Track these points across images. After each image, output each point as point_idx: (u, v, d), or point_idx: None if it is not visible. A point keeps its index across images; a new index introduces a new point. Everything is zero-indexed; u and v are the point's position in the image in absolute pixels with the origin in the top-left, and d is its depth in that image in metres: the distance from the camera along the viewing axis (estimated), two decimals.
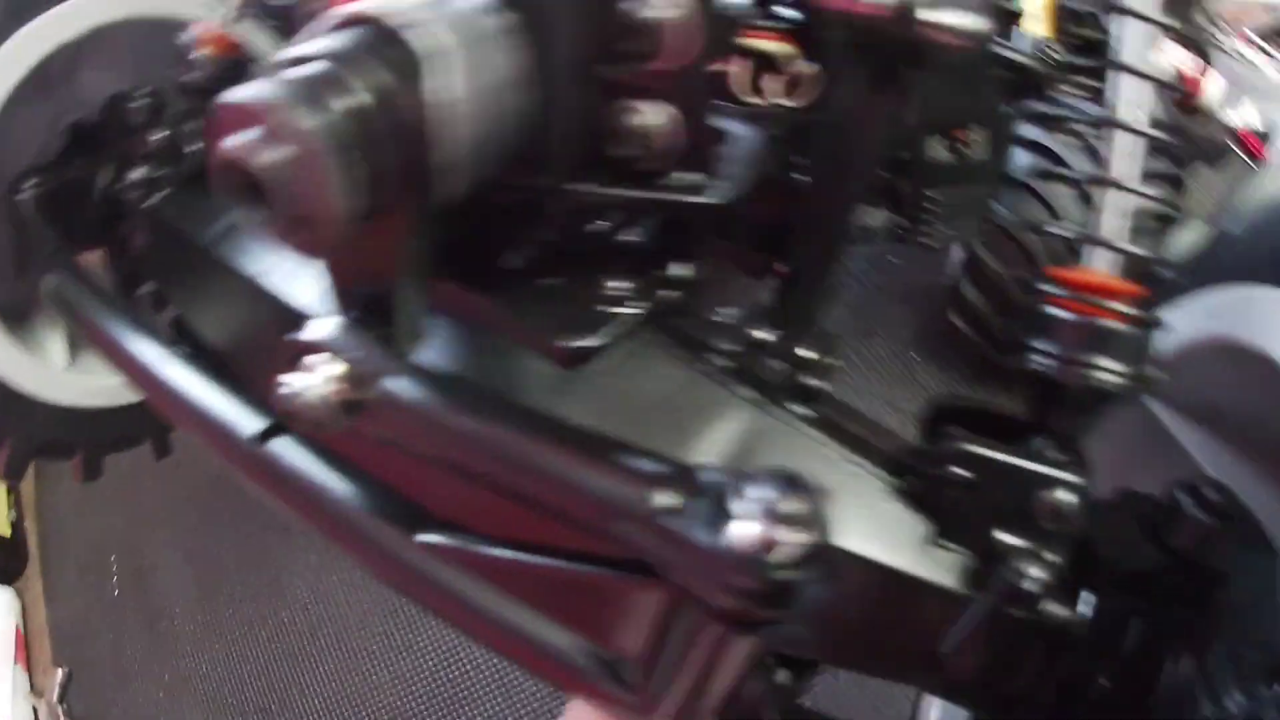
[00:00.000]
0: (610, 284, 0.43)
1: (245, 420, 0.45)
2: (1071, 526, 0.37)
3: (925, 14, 0.33)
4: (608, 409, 0.41)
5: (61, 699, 1.49)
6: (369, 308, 0.35)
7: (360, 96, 0.27)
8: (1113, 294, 0.38)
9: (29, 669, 1.54)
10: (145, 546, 1.53)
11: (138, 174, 0.62)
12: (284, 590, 1.38)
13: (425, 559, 0.38)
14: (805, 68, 0.69)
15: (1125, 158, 0.40)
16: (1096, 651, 0.37)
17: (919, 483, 0.40)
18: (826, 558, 0.26)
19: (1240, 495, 0.39)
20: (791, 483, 0.26)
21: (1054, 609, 0.37)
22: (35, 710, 1.48)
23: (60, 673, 1.51)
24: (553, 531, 0.37)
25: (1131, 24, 0.39)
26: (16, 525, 1.61)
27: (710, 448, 0.40)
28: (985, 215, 0.79)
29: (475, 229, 0.44)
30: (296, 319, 0.49)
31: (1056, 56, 0.82)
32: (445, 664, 1.23)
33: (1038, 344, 0.38)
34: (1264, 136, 1.50)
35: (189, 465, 1.15)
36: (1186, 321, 0.56)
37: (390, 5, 0.29)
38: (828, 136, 0.53)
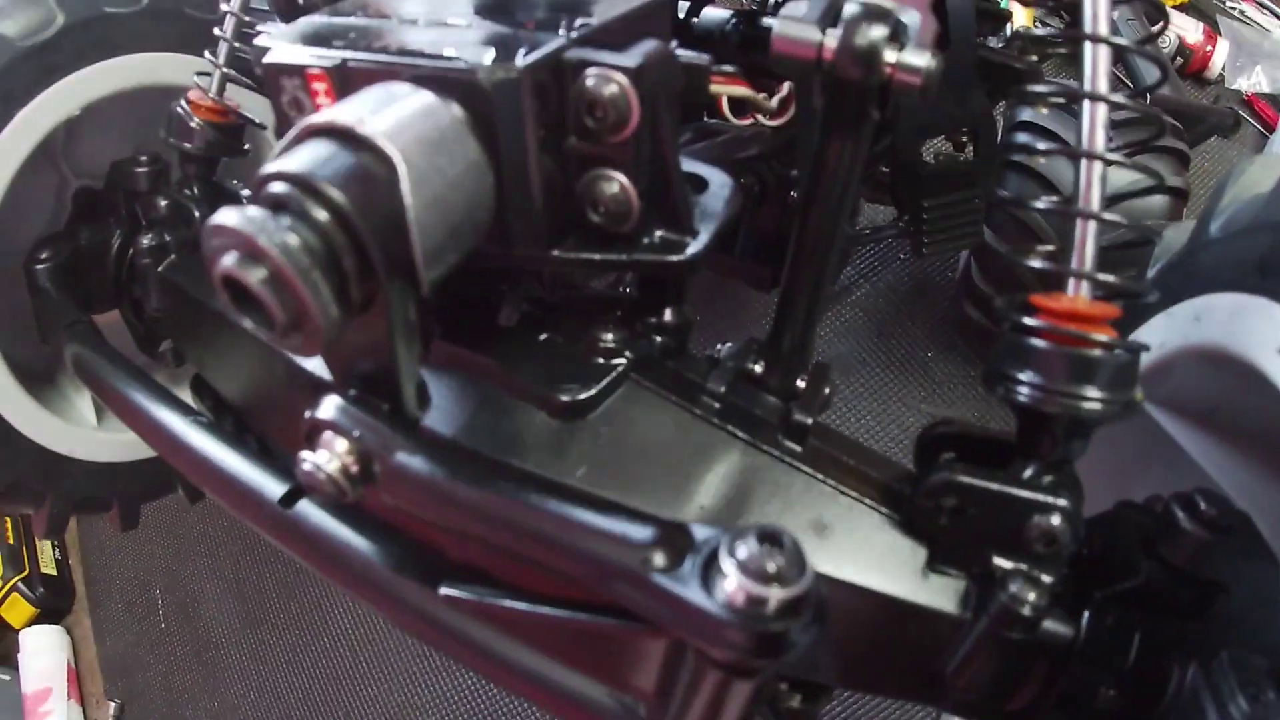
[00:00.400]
0: (601, 335, 0.45)
1: (268, 484, 0.47)
2: (1063, 550, 0.38)
3: (888, 55, 0.34)
4: (605, 457, 0.43)
5: None
6: (369, 383, 0.37)
7: (331, 209, 0.29)
8: (1093, 320, 0.38)
9: (82, 703, 1.58)
10: (189, 579, 1.56)
11: (146, 240, 0.65)
12: (325, 616, 1.41)
13: (448, 611, 0.40)
14: (779, 91, 0.71)
15: (1097, 130, 0.39)
16: (1100, 664, 0.38)
17: (914, 511, 0.41)
18: (812, 607, 0.28)
19: (1242, 497, 0.39)
20: (775, 538, 0.28)
21: (1053, 627, 0.38)
22: None
23: (112, 706, 1.54)
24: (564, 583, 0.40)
25: None
26: (62, 564, 1.65)
27: (706, 490, 0.42)
28: (983, 218, 0.80)
29: (469, 293, 0.46)
30: (306, 379, 0.52)
31: (1035, 44, 0.82)
32: (484, 682, 1.25)
33: (1021, 375, 0.39)
34: (1277, 103, 1.50)
35: None
36: (1174, 329, 0.56)
37: (358, 111, 0.30)
38: (806, 154, 0.55)
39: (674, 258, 0.40)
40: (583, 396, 0.43)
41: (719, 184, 0.45)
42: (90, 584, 1.66)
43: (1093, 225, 0.39)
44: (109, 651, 1.62)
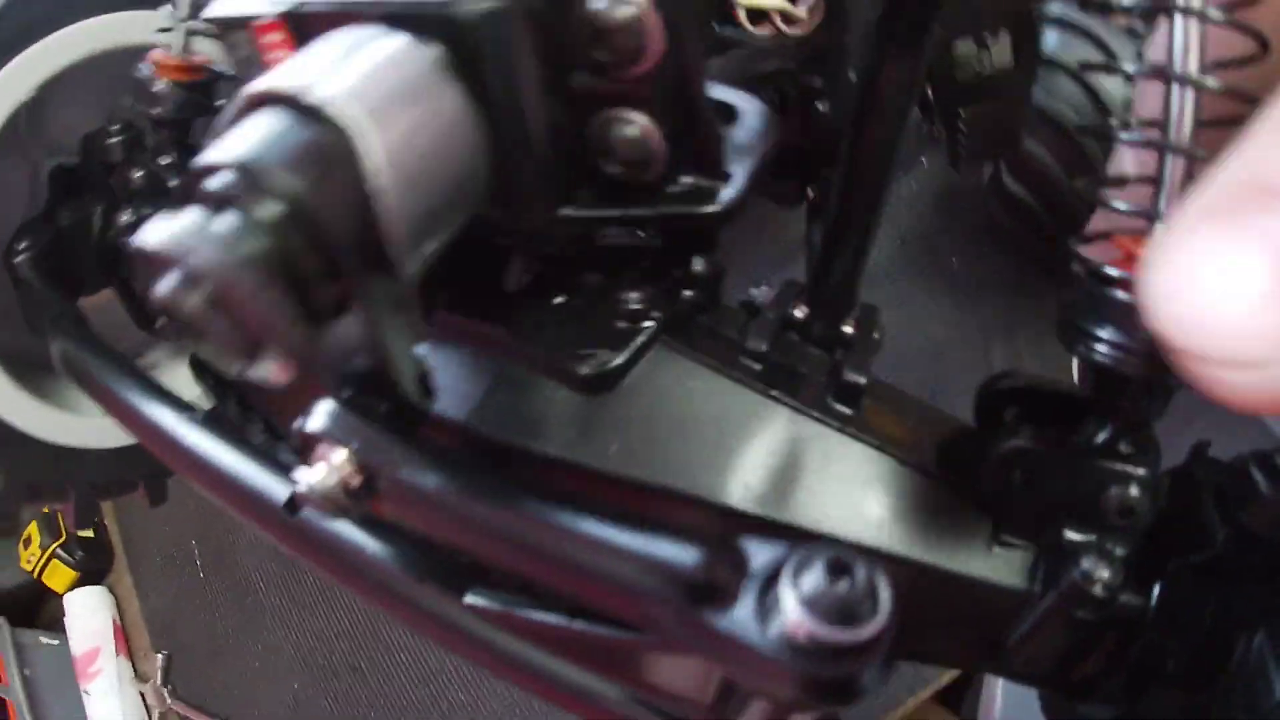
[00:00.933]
0: (625, 295, 0.39)
1: (272, 486, 0.43)
2: (1140, 522, 0.34)
3: None
4: (638, 433, 0.38)
5: (165, 681, 1.58)
6: (364, 383, 0.33)
7: (282, 202, 0.23)
8: None
9: (131, 658, 1.63)
10: (221, 528, 1.58)
11: (125, 217, 0.60)
12: None
13: (474, 621, 0.37)
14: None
15: (1191, 49, 0.32)
16: (1170, 636, 0.35)
17: (980, 479, 0.37)
18: (887, 647, 0.23)
19: None
20: (845, 567, 0.23)
21: (1125, 599, 0.35)
22: (142, 695, 1.56)
23: (160, 657, 1.59)
24: None
25: None
26: (99, 526, 1.68)
27: (752, 465, 0.37)
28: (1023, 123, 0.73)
29: (472, 255, 0.41)
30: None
31: None
32: None
33: (1101, 333, 0.34)
34: None
35: None
36: None
37: (307, 71, 0.25)
38: (840, 65, 0.49)
39: (707, 208, 0.34)
40: (608, 367, 0.38)
41: (753, 113, 0.40)
42: (127, 543, 1.70)
43: (1182, 162, 0.33)
44: (152, 606, 1.67)
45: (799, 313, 0.45)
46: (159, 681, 1.57)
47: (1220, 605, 0.35)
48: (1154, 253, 0.24)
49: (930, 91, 0.73)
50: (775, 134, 0.39)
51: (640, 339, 0.39)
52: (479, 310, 0.39)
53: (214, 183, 0.23)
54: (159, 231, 0.22)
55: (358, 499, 0.32)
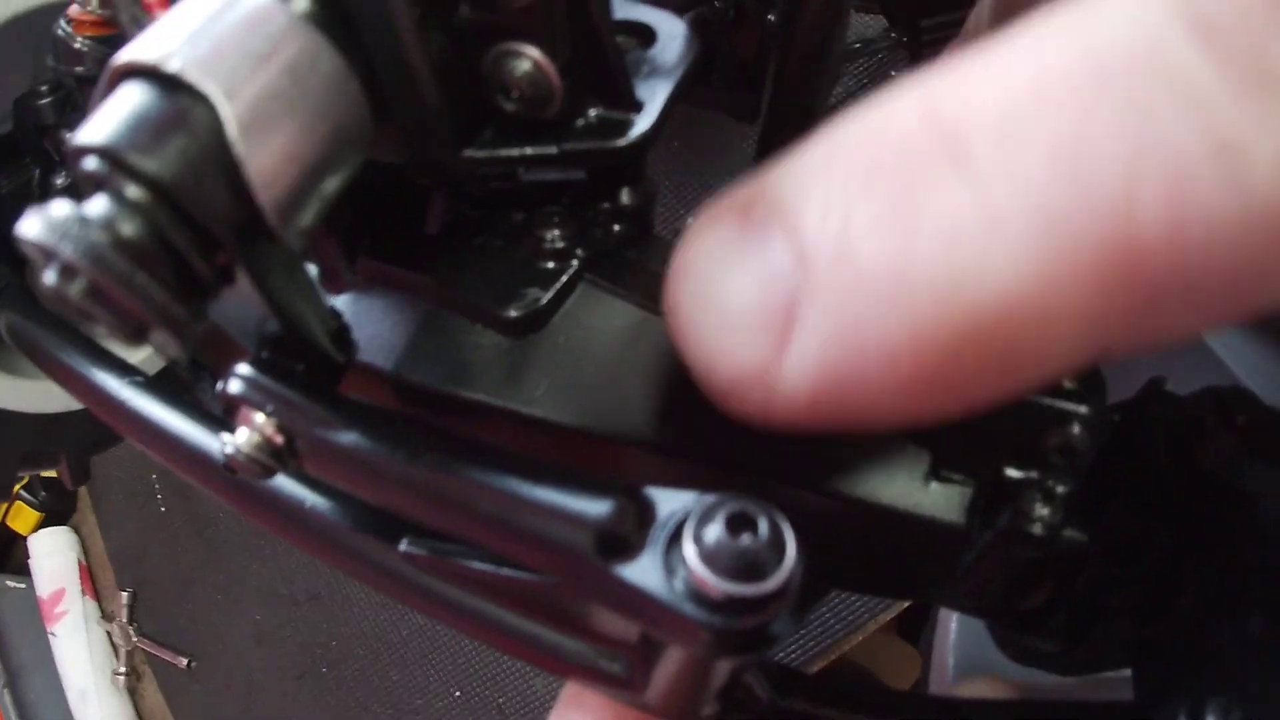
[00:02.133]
0: (546, 233, 0.38)
1: (213, 446, 0.43)
2: (1082, 461, 0.33)
3: None
4: (566, 373, 0.38)
5: (130, 618, 1.62)
6: (279, 344, 0.32)
7: (146, 184, 0.23)
8: None
9: (97, 598, 1.66)
10: None
11: (59, 181, 0.59)
12: None
13: (410, 569, 0.37)
14: None
15: None
16: (1114, 570, 0.35)
17: None
18: (794, 599, 0.23)
19: (1250, 378, 0.35)
20: (749, 520, 0.23)
21: (1067, 535, 0.34)
22: (109, 634, 1.60)
23: (125, 595, 1.63)
24: None
25: None
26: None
27: (685, 404, 0.37)
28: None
29: (390, 201, 0.40)
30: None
31: None
32: None
33: None
34: None
35: None
36: None
37: (166, 41, 0.24)
38: None
39: (617, 142, 0.33)
40: (532, 308, 0.37)
41: (669, 32, 0.38)
42: (90, 481, 1.71)
43: None
44: (115, 543, 1.70)
45: None
46: (124, 619, 1.60)
47: (1168, 542, 0.35)
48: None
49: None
50: (695, 53, 0.37)
51: (563, 278, 0.38)
52: (400, 255, 0.38)
53: (84, 166, 0.23)
54: (34, 224, 0.22)
55: (283, 459, 0.32)
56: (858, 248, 0.20)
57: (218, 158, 0.24)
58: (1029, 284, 0.18)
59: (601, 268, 0.39)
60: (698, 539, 0.23)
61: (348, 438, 0.30)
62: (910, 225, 0.19)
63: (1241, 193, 0.17)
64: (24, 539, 1.67)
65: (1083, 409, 0.33)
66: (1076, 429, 0.33)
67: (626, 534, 0.25)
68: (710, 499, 0.24)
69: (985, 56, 0.20)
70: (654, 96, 0.35)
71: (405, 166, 0.34)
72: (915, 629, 1.20)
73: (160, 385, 0.48)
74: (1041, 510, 0.33)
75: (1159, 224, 0.18)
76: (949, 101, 0.20)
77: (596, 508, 0.25)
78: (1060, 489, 0.34)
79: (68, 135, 0.59)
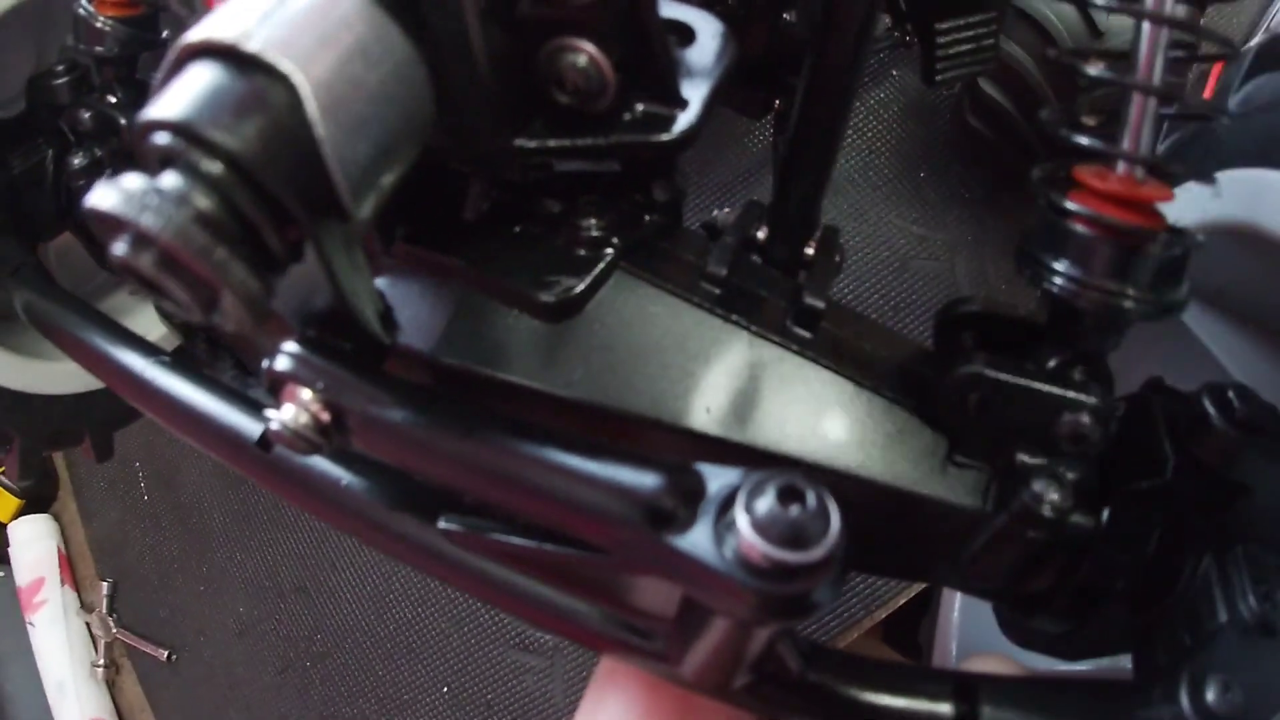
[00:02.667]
0: (583, 221, 0.40)
1: (244, 424, 0.44)
2: (1091, 448, 0.36)
3: None
4: (601, 361, 0.39)
5: (110, 609, 1.59)
6: (326, 321, 0.33)
7: (224, 159, 0.23)
8: (1143, 205, 0.34)
9: (76, 588, 1.63)
10: (165, 448, 1.57)
11: (77, 160, 0.59)
12: None
13: (447, 545, 0.38)
14: None
15: None
16: (1117, 556, 0.37)
17: (936, 402, 0.38)
18: (838, 566, 0.24)
19: (1244, 377, 0.37)
20: (797, 492, 0.24)
21: (1074, 520, 0.36)
22: (88, 625, 1.58)
23: (105, 585, 1.60)
24: None
25: None
26: None
27: (712, 389, 0.38)
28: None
29: (430, 185, 0.41)
30: None
31: None
32: None
33: (1056, 264, 0.35)
34: None
35: None
36: (1190, 203, 0.52)
37: (242, 20, 0.24)
38: None
39: (662, 136, 0.34)
40: (570, 295, 0.38)
41: (708, 32, 0.39)
42: (72, 467, 1.70)
43: (1152, 101, 0.34)
44: (97, 532, 1.67)
45: (760, 234, 0.46)
46: (104, 609, 1.57)
47: (1168, 530, 0.37)
48: None
49: (905, 3, 0.71)
50: (733, 53, 0.39)
51: (600, 265, 0.39)
52: (439, 241, 0.39)
53: (155, 141, 0.24)
54: (107, 195, 0.23)
55: (329, 435, 0.33)
56: None
57: (296, 136, 0.25)
58: None
59: (636, 256, 0.40)
60: (749, 509, 0.24)
61: (404, 414, 0.31)
62: None
63: None
64: (3, 526, 1.65)
65: (1091, 399, 0.35)
66: (1086, 418, 0.35)
67: (677, 507, 0.26)
68: (761, 474, 0.25)
69: None
70: (696, 94, 0.36)
71: (450, 153, 0.35)
72: (900, 636, 1.22)
73: (184, 363, 0.49)
74: (1052, 494, 0.35)
75: None
76: None
77: (649, 481, 0.27)
78: (1070, 475, 0.36)
79: (85, 114, 0.59)
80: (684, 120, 0.35)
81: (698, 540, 0.25)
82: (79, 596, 1.62)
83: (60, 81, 0.62)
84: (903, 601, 1.10)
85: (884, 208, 1.26)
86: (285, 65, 0.24)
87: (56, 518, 1.68)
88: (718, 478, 0.26)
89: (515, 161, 0.39)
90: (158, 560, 1.57)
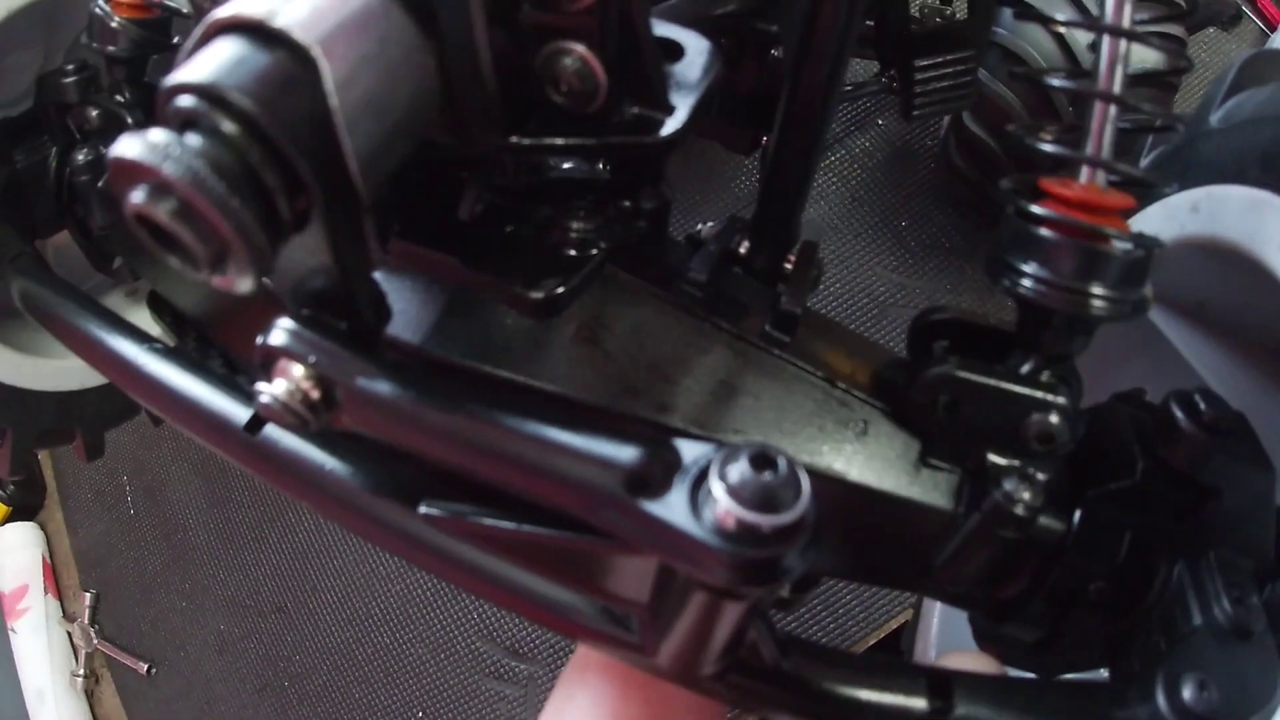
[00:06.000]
0: (573, 224, 0.41)
1: (232, 410, 0.44)
2: (1060, 448, 0.37)
3: None
4: (584, 358, 0.40)
5: (92, 620, 1.59)
6: (322, 300, 0.34)
7: (243, 121, 0.25)
8: (1106, 210, 0.36)
9: (59, 597, 1.62)
10: (154, 463, 1.59)
11: (82, 156, 0.60)
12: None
13: (428, 530, 0.38)
14: None
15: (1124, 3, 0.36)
16: (1089, 560, 0.38)
17: (908, 404, 0.39)
18: (809, 533, 0.25)
19: (1225, 390, 0.39)
20: (769, 460, 0.26)
21: (1045, 523, 0.37)
22: (70, 635, 1.57)
23: (88, 596, 1.60)
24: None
25: None
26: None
27: (692, 387, 0.39)
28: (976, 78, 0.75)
29: (425, 185, 0.42)
30: (263, 288, 0.48)
31: None
32: None
33: (1025, 267, 0.36)
34: None
35: None
36: (1170, 218, 0.54)
37: (266, 3, 0.26)
38: (791, 7, 0.50)
39: (649, 138, 0.36)
40: (556, 292, 0.39)
41: (695, 49, 0.41)
42: (59, 477, 1.71)
43: (1112, 109, 0.36)
44: (81, 542, 1.67)
45: (742, 248, 0.47)
46: (86, 620, 1.57)
47: (1140, 535, 0.38)
48: None
49: (885, 43, 0.74)
50: (719, 70, 0.40)
51: (587, 266, 0.40)
52: (433, 238, 0.41)
53: (179, 103, 0.25)
54: (133, 144, 0.24)
55: (317, 412, 0.33)
56: None
57: (313, 108, 0.26)
58: None
59: (622, 261, 0.42)
60: (723, 475, 0.26)
61: (394, 388, 0.32)
62: None
63: None
64: None
65: (1060, 399, 0.37)
66: (1055, 417, 0.36)
67: (654, 477, 0.27)
68: (734, 445, 0.27)
69: None
70: (684, 102, 0.38)
71: (448, 151, 0.37)
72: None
73: (176, 352, 0.49)
74: (1024, 493, 0.36)
75: None
76: None
77: (628, 452, 0.28)
78: (1040, 475, 0.37)
79: (93, 112, 0.61)
80: (671, 124, 0.37)
81: (674, 505, 0.26)
82: (61, 606, 1.62)
83: (69, 80, 0.63)
84: (894, 626, 1.11)
85: (865, 254, 1.28)
86: (308, 41, 0.26)
87: (42, 526, 1.68)
88: (693, 450, 0.27)
89: (511, 159, 0.40)
90: (141, 574, 1.57)
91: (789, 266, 0.47)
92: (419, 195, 0.41)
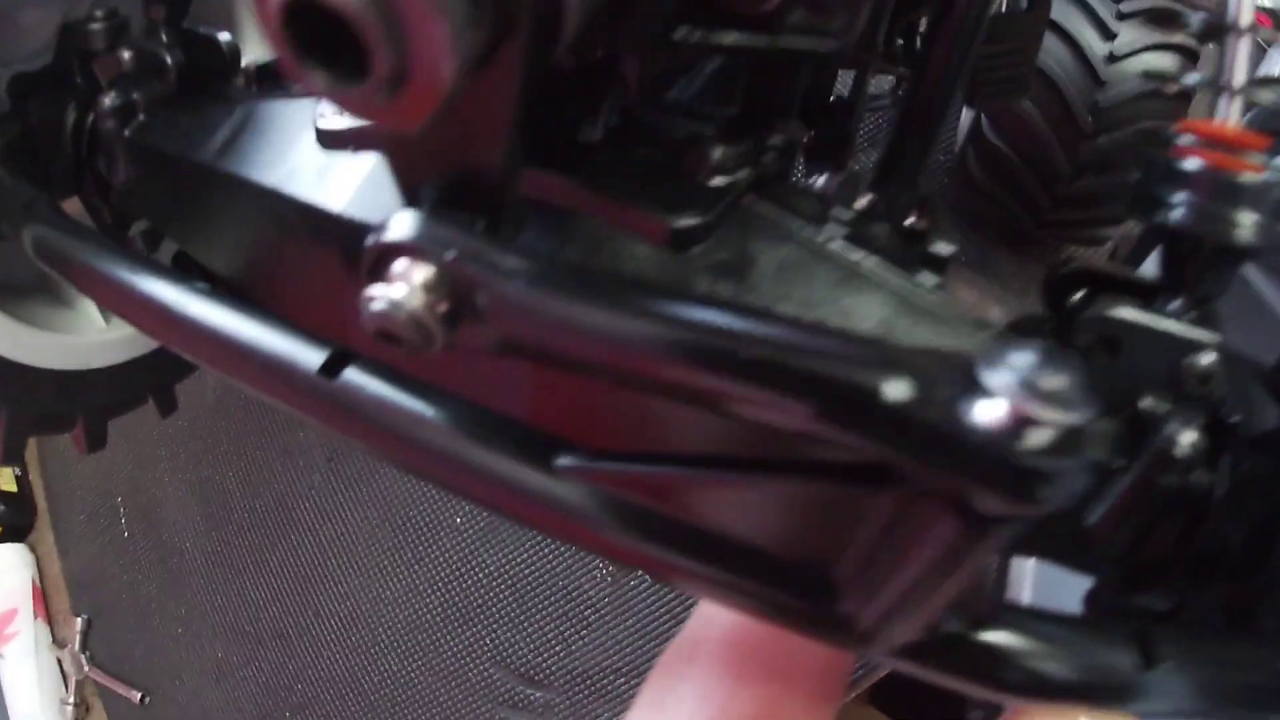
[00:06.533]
0: (709, 151, 0.37)
1: (301, 352, 0.38)
2: (1217, 390, 0.35)
3: None
4: (723, 291, 0.36)
5: (83, 646, 1.51)
6: (452, 195, 0.29)
7: None
8: (1245, 145, 0.36)
9: (49, 621, 1.54)
10: (150, 484, 1.49)
11: (109, 99, 0.55)
12: (290, 513, 1.35)
13: (566, 488, 0.32)
14: None
15: None
16: (1229, 517, 0.36)
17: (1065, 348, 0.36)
18: (1089, 445, 0.21)
19: None
20: (1051, 354, 0.21)
21: (1201, 474, 0.35)
22: (60, 662, 1.49)
23: (80, 621, 1.52)
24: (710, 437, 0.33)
25: None
26: (22, 480, 1.60)
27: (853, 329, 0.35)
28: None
29: (544, 102, 0.38)
30: (335, 226, 0.43)
31: None
32: (458, 574, 1.20)
33: (1173, 197, 0.36)
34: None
35: (188, 394, 1.08)
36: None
37: None
38: None
39: (823, 45, 0.33)
40: (696, 222, 0.35)
41: None
42: (51, 497, 1.63)
43: (1245, 43, 0.37)
44: (73, 565, 1.59)
45: (862, 203, 0.44)
46: (77, 647, 1.50)
47: (1277, 488, 0.36)
48: None
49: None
50: None
51: (727, 196, 0.36)
52: (555, 161, 0.36)
53: None
54: None
55: (446, 325, 0.28)
56: None
57: None
58: None
59: (762, 189, 0.38)
60: (996, 365, 0.22)
61: (566, 288, 0.27)
62: None
63: None
64: None
65: (1217, 338, 0.35)
66: (1211, 357, 0.35)
67: (918, 377, 0.23)
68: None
69: None
70: (851, 10, 0.34)
71: (605, 47, 0.32)
72: (889, 699, 1.18)
73: (224, 292, 0.43)
74: (1185, 435, 0.34)
75: None
76: None
77: (882, 350, 0.24)
78: (1197, 420, 0.35)
79: (126, 54, 0.56)
80: (843, 33, 0.33)
81: (940, 405, 0.22)
82: (51, 631, 1.53)
83: (97, 27, 0.58)
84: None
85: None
86: None
87: (32, 548, 1.60)
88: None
89: (649, 72, 0.36)
90: (135, 599, 1.47)
91: (913, 221, 0.44)
92: (538, 115, 0.37)
